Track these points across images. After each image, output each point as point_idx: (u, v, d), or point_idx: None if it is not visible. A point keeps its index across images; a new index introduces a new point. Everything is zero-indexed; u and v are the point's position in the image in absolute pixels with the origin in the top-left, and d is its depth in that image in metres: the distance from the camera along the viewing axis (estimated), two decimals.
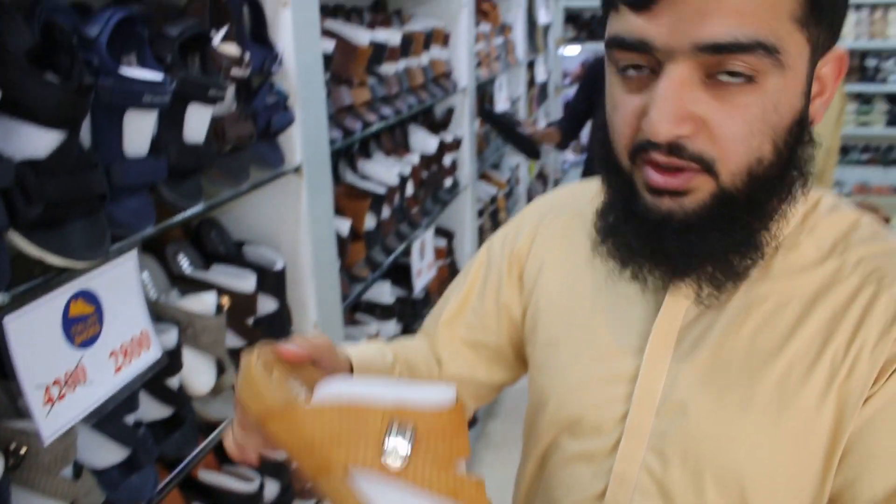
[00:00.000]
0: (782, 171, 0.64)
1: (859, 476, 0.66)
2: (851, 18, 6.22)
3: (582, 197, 0.87)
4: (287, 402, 0.62)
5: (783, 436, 0.67)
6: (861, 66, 6.32)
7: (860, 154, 6.62)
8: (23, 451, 0.92)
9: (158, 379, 1.16)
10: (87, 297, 0.97)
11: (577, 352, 0.79)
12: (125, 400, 1.05)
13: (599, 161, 0.72)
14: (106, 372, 0.99)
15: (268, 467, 1.48)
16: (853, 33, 6.21)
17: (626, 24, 0.62)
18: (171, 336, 1.15)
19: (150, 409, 1.17)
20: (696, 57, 0.59)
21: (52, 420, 0.90)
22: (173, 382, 1.19)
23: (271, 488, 1.51)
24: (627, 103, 0.65)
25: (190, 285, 1.35)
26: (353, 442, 0.60)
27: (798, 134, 0.64)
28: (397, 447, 0.59)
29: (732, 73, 0.59)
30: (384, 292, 2.26)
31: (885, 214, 4.15)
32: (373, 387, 0.63)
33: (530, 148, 3.30)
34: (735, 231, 0.65)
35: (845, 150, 6.64)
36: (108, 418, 1.06)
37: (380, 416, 0.60)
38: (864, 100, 6.43)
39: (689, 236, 0.65)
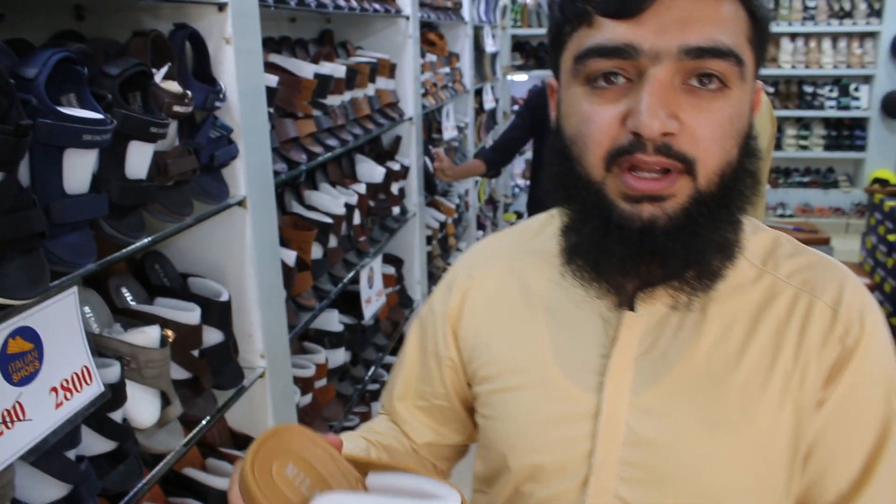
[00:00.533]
0: (743, 177, 0.68)
1: (823, 474, 0.72)
2: (788, 48, 6.48)
3: (509, 244, 0.88)
4: None
5: (748, 448, 0.70)
6: (799, 93, 6.58)
7: (801, 176, 6.87)
8: None
9: (101, 413, 1.16)
10: (26, 333, 0.98)
11: (532, 398, 0.78)
12: (66, 435, 1.05)
13: (556, 184, 0.72)
14: (45, 408, 1.00)
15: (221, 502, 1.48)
16: (791, 61, 6.48)
17: (607, 33, 0.65)
18: (113, 370, 1.16)
19: (93, 444, 1.16)
20: (680, 60, 0.63)
21: None
22: (116, 416, 1.19)
23: None
24: (602, 113, 0.66)
25: (133, 318, 1.35)
26: None
27: (749, 143, 0.69)
28: None
29: (704, 80, 0.64)
30: (332, 320, 2.27)
31: (825, 235, 4.32)
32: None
33: (428, 183, 3.27)
34: (715, 232, 0.68)
35: (787, 173, 6.88)
36: (48, 454, 1.05)
37: None
38: (804, 125, 6.69)
39: (680, 237, 0.66)
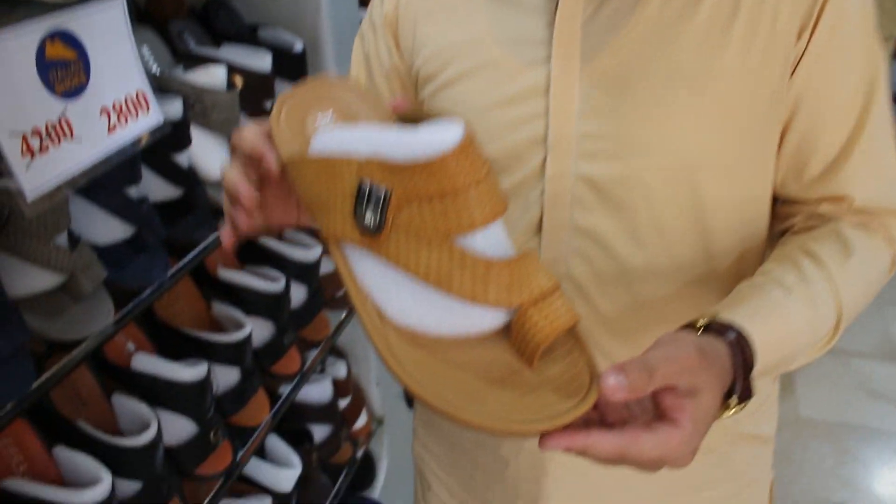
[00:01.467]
0: None
1: (807, 141, 0.67)
2: None
3: None
4: (294, 153, 0.54)
5: (714, 106, 0.65)
6: None
7: None
8: (6, 211, 0.81)
9: (164, 154, 1.03)
10: (67, 38, 0.83)
11: (477, 85, 0.72)
12: (124, 168, 0.93)
13: None
14: (96, 130, 0.86)
15: (294, 269, 1.39)
16: None
17: None
18: (175, 106, 1.02)
19: (157, 188, 1.05)
20: None
21: (33, 175, 0.78)
22: (182, 160, 1.06)
23: (298, 292, 1.42)
24: None
25: (197, 62, 1.19)
26: (329, 207, 0.50)
27: None
28: (366, 215, 0.48)
29: None
30: None
31: None
32: (358, 134, 0.51)
33: None
34: None
35: None
36: (106, 189, 0.94)
37: (352, 176, 0.49)
38: None
39: None
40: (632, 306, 0.71)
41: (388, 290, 0.48)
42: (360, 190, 0.48)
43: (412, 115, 0.58)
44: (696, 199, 0.67)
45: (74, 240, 0.89)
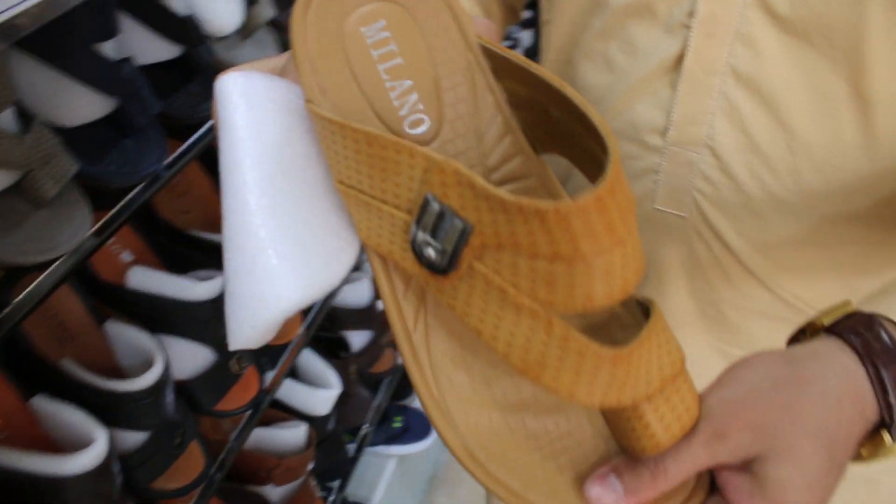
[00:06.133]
0: None
1: None
2: None
3: None
4: (325, 88, 0.37)
5: None
6: None
7: None
8: None
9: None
10: None
11: None
12: (92, 18, 0.65)
13: None
14: None
15: None
16: None
17: None
18: None
19: (145, 46, 0.76)
20: None
21: None
22: (179, 6, 0.77)
23: None
24: None
25: None
26: (369, 204, 0.34)
27: None
28: (428, 249, 0.31)
29: None
30: None
31: None
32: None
33: None
34: None
35: None
36: (69, 46, 0.66)
37: (413, 176, 0.32)
38: None
39: None
40: (806, 201, 0.48)
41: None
42: (424, 209, 0.31)
43: (495, 55, 0.38)
44: None
45: (27, 119, 0.62)
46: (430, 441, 1.51)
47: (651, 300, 0.34)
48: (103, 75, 0.68)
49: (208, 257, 0.90)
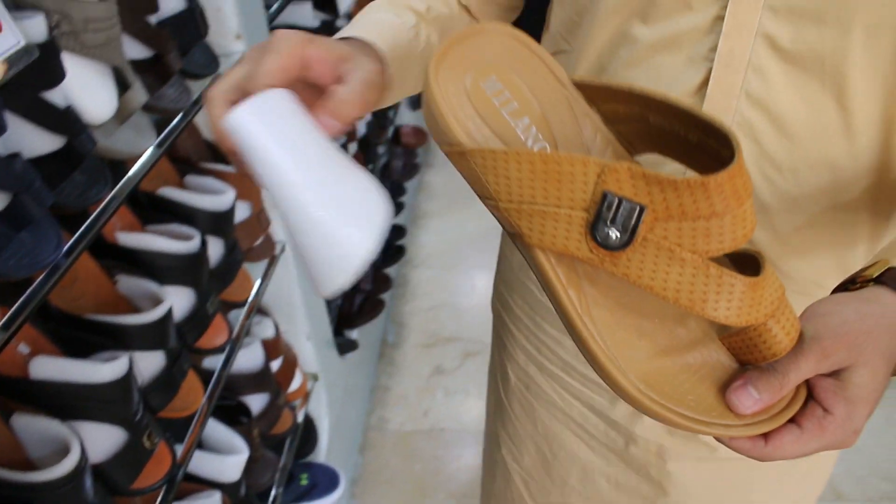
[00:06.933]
0: None
1: None
2: None
3: None
4: (476, 138, 0.47)
5: None
6: None
7: None
8: None
9: (33, 92, 0.77)
10: None
11: None
12: None
13: None
14: None
15: (207, 222, 1.15)
16: None
17: None
18: (36, 23, 0.75)
19: (32, 138, 0.78)
20: None
21: None
22: (57, 99, 0.80)
23: (214, 249, 1.18)
24: None
25: None
26: (545, 213, 0.43)
27: None
28: (609, 233, 0.42)
29: None
30: (306, 16, 1.83)
31: None
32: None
33: None
34: None
35: None
36: None
37: (587, 181, 0.42)
38: None
39: None
40: (805, 194, 0.60)
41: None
42: (604, 204, 0.41)
43: (591, 86, 0.49)
44: None
45: None
46: (339, 493, 1.54)
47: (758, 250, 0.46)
48: None
49: (106, 338, 0.91)
